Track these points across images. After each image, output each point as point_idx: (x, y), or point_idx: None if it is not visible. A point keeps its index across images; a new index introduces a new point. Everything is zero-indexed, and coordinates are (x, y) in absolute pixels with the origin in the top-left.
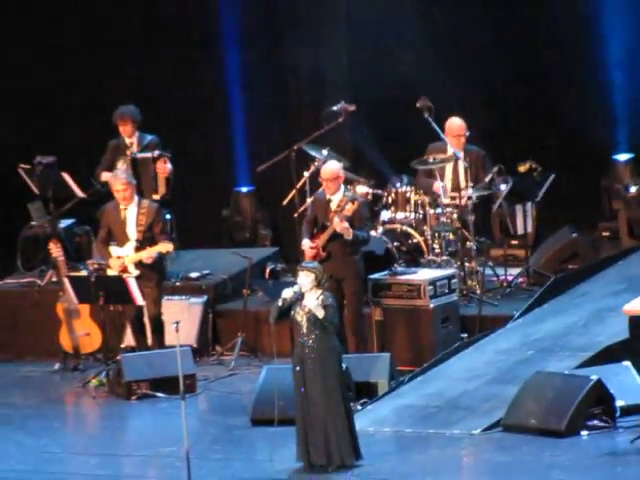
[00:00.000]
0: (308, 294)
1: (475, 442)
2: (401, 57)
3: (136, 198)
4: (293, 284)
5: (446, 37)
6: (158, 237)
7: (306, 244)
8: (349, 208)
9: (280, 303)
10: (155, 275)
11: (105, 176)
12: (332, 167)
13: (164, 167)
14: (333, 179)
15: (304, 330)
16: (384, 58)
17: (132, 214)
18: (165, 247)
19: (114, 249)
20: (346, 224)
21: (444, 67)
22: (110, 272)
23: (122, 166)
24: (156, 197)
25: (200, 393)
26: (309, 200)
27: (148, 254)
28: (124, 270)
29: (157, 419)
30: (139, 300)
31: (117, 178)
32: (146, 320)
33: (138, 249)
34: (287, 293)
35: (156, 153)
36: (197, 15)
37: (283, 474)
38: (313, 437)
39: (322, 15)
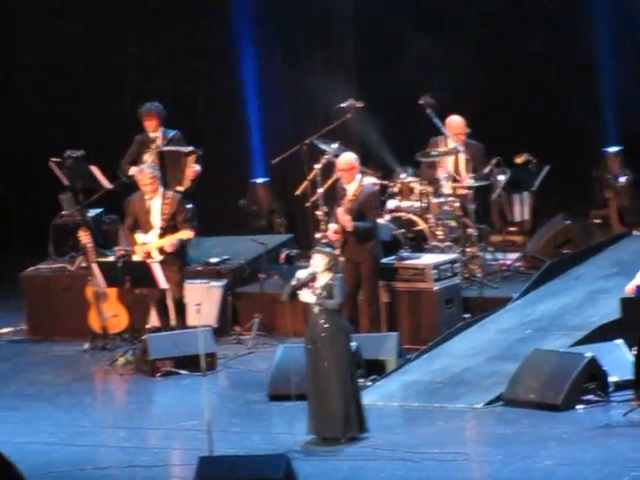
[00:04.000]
0: (320, 275)
1: (477, 415)
2: (405, 57)
3: (161, 189)
4: (306, 267)
5: (448, 32)
6: (180, 225)
7: (331, 228)
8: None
9: (294, 282)
10: (178, 260)
11: (132, 170)
12: (347, 158)
13: (193, 170)
14: (348, 169)
15: (315, 310)
16: (390, 58)
17: (157, 204)
18: (186, 234)
19: (139, 236)
20: (347, 217)
21: (444, 63)
22: (135, 258)
23: (149, 159)
24: (180, 188)
25: (220, 370)
26: (320, 190)
27: (170, 241)
28: (148, 256)
29: (180, 395)
30: (163, 284)
31: (143, 172)
32: (169, 302)
33: (161, 236)
34: (301, 274)
35: (189, 149)
36: (216, 28)
37: (299, 446)
38: (324, 411)
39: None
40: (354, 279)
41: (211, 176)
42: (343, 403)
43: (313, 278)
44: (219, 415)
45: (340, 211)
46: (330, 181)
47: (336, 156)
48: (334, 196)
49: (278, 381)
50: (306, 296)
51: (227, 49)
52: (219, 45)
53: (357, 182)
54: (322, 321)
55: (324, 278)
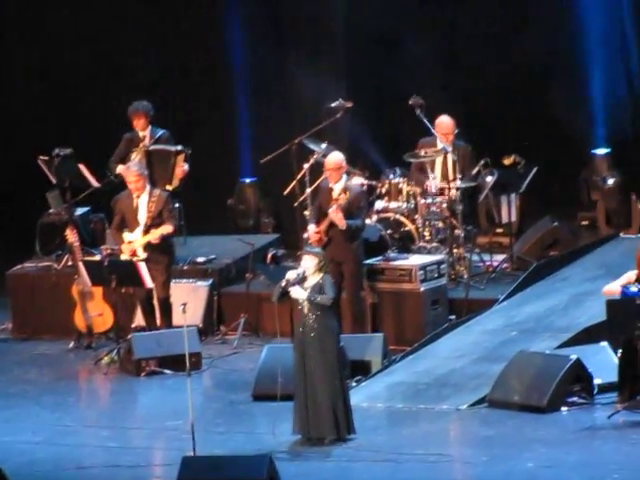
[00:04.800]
0: (310, 277)
1: (462, 417)
2: (395, 58)
3: (148, 187)
4: (293, 269)
5: (437, 34)
6: (166, 221)
7: (311, 229)
8: (343, 197)
9: (283, 283)
10: (164, 259)
11: (119, 168)
12: (335, 158)
13: (182, 169)
14: (336, 169)
15: (305, 311)
16: (380, 59)
17: (143, 202)
18: (167, 229)
19: (126, 235)
20: (340, 215)
21: (432, 63)
22: (122, 257)
23: (136, 157)
24: (169, 188)
25: (205, 370)
26: (309, 190)
27: (153, 236)
28: (134, 254)
29: (164, 394)
30: (149, 283)
31: (130, 170)
32: (155, 302)
33: (146, 233)
34: (291, 275)
35: (178, 148)
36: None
37: (283, 446)
38: (311, 411)
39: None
40: (337, 279)
41: (199, 175)
42: (331, 404)
43: (303, 279)
44: (203, 415)
45: (333, 209)
46: (319, 181)
47: (324, 156)
48: (316, 196)
49: (263, 381)
50: (298, 292)
51: (217, 48)
52: (209, 44)
53: (343, 182)
54: (311, 321)
55: (314, 279)
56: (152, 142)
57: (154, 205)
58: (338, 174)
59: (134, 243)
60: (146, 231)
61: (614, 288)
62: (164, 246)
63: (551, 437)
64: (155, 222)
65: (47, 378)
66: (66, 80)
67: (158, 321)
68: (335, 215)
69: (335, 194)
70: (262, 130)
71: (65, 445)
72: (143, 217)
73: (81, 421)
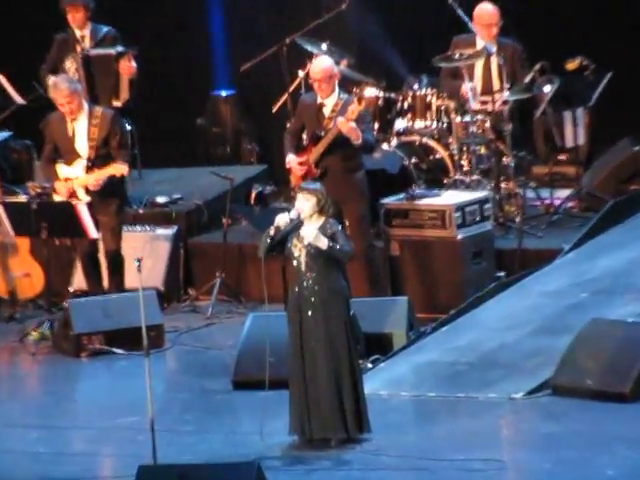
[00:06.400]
0: (308, 222)
1: (517, 408)
2: None
3: (86, 106)
4: (286, 210)
5: None
6: (115, 153)
7: (292, 160)
8: (353, 109)
9: (272, 232)
10: (113, 200)
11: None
12: (323, 64)
13: (128, 66)
14: (327, 78)
15: (303, 267)
16: None
17: (82, 126)
18: (118, 169)
19: (62, 169)
20: (353, 124)
21: None
22: (56, 197)
23: (71, 66)
24: (117, 104)
25: (169, 348)
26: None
27: (95, 178)
28: (73, 195)
29: (114, 381)
30: (92, 232)
31: (58, 89)
32: (101, 257)
33: (90, 169)
34: (281, 220)
35: (119, 49)
36: None
37: (274, 451)
38: (312, 404)
39: None
40: None
41: (157, 88)
42: (337, 393)
43: (298, 225)
44: (167, 409)
45: (341, 119)
46: (292, 86)
47: None
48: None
49: (247, 363)
50: (311, 233)
51: None
52: None
53: (336, 96)
54: (311, 282)
55: (313, 225)
56: (94, 44)
57: (97, 130)
58: (329, 85)
59: (73, 181)
60: (90, 167)
61: None
62: (113, 183)
63: (637, 435)
64: (101, 153)
65: None
66: None
67: (105, 283)
68: (347, 125)
69: (327, 111)
70: (243, 26)
71: None
72: (84, 147)
73: (2, 418)
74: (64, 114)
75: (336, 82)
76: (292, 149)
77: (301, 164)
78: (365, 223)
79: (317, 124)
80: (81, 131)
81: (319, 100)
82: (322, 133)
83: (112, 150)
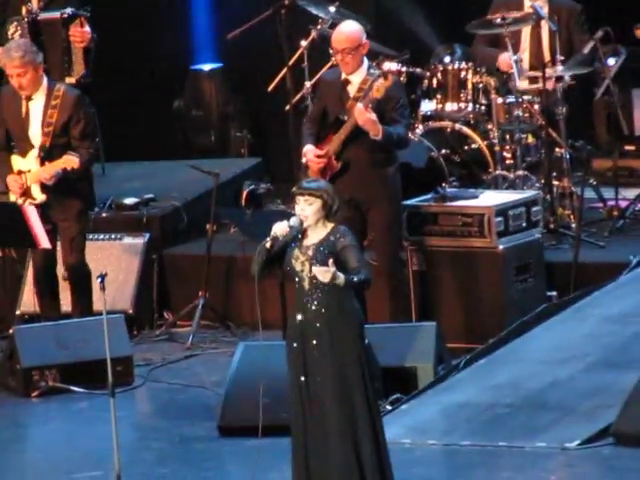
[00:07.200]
0: (312, 230)
1: (571, 461)
2: None
3: (45, 82)
4: (287, 215)
5: None
6: (77, 144)
7: (309, 151)
8: (379, 86)
9: (268, 245)
10: (76, 202)
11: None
12: (349, 29)
13: (81, 33)
14: (353, 49)
15: (306, 286)
16: None
17: (38, 107)
18: (69, 162)
19: (16, 160)
20: (373, 115)
21: None
22: (10, 197)
23: (15, 33)
24: (70, 80)
25: (139, 386)
26: (308, 84)
27: (48, 172)
28: (26, 193)
29: (71, 427)
30: (43, 242)
31: (10, 56)
32: (60, 272)
33: (43, 162)
34: (279, 229)
35: (68, 11)
36: None
37: None
38: (319, 456)
39: None
40: (358, 233)
41: (125, 62)
42: (351, 442)
43: (299, 235)
44: (137, 461)
45: (359, 107)
46: (325, 68)
47: (333, 26)
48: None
49: (235, 404)
50: (331, 275)
51: None
52: None
53: (364, 71)
54: (316, 303)
55: (317, 234)
56: (43, 5)
57: (56, 113)
58: (355, 58)
59: (27, 175)
60: (44, 158)
61: None
62: (75, 179)
63: None
64: (59, 142)
65: None
66: None
67: (65, 306)
68: (364, 115)
69: (353, 90)
70: None
71: None
72: (36, 132)
73: None
74: (16, 91)
75: (364, 54)
76: (310, 138)
77: (319, 156)
78: (394, 232)
79: (341, 106)
80: (36, 113)
81: (343, 76)
82: (345, 117)
83: (72, 140)
